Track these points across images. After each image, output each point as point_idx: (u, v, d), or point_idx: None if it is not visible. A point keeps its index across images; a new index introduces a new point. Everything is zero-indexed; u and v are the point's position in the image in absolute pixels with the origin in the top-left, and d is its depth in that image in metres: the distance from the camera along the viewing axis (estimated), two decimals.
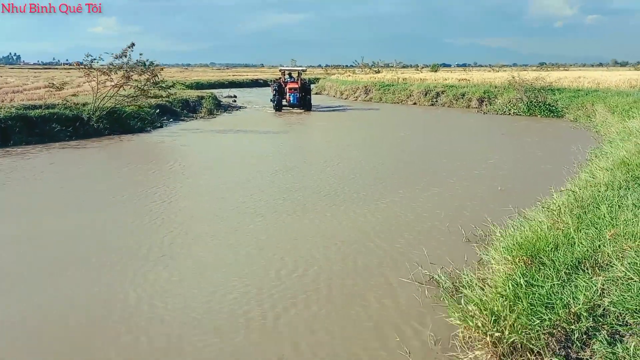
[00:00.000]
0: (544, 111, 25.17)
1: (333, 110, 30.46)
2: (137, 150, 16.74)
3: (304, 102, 28.82)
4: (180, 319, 5.26)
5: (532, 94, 26.17)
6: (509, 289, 4.38)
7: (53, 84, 21.75)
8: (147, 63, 20.72)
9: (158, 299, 5.68)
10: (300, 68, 33.77)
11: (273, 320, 5.23)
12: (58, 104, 19.04)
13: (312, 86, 38.42)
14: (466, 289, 5.30)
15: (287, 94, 28.66)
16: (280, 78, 31.22)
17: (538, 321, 3.85)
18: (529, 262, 5.03)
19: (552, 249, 5.10)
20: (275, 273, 6.42)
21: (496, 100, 28.76)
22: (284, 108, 28.84)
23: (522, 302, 4.11)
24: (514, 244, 5.56)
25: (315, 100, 32.73)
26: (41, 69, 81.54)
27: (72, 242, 7.61)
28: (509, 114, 26.30)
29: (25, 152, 15.11)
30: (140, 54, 20.60)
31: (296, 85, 28.99)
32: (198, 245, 7.41)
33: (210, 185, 11.18)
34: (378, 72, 53.96)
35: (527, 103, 26.00)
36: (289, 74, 31.07)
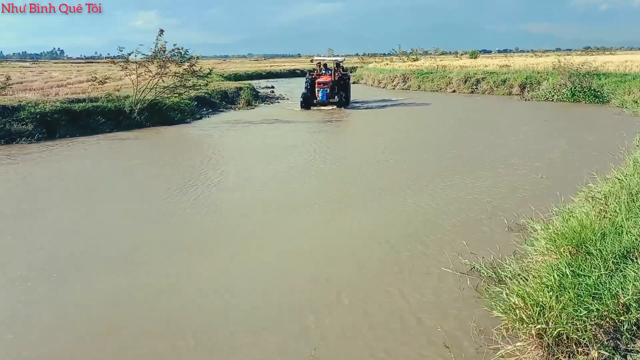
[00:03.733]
0: (588, 97, 24.36)
1: (368, 108, 25.43)
2: (178, 141, 17.04)
3: (339, 98, 24.73)
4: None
5: (577, 79, 25.37)
6: (554, 279, 4.27)
7: (96, 77, 22.21)
8: (183, 52, 20.86)
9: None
10: (337, 58, 28.71)
11: (316, 306, 5.24)
12: (101, 98, 19.50)
13: (351, 74, 36.87)
14: (509, 279, 5.21)
15: (316, 90, 24.58)
16: (315, 70, 27.04)
17: (585, 312, 3.75)
18: (575, 252, 4.90)
19: (598, 238, 4.95)
20: (321, 260, 6.44)
21: (539, 86, 28.00)
22: (314, 106, 24.65)
23: (568, 292, 4.00)
24: (558, 234, 5.43)
25: (352, 89, 27.94)
26: (84, 63, 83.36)
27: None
28: (552, 100, 25.60)
29: (71, 143, 15.49)
30: (175, 45, 20.61)
31: (327, 79, 24.95)
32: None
33: (256, 175, 11.28)
34: (416, 59, 53.26)
35: (571, 89, 25.23)
36: (325, 65, 26.86)
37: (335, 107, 24.46)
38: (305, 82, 25.76)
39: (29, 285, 5.93)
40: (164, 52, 20.16)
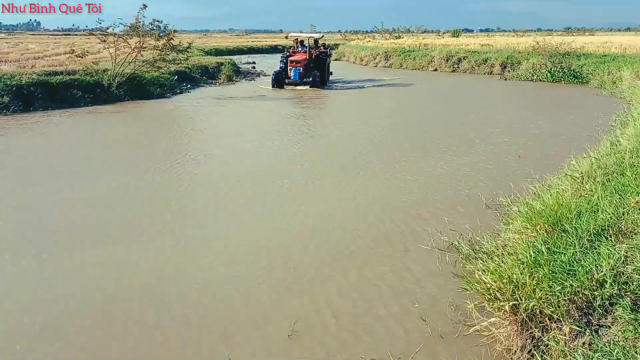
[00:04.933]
0: (568, 77, 24.49)
1: (349, 88, 24.26)
2: (158, 115, 16.85)
3: (312, 77, 23.09)
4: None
5: (557, 59, 25.52)
6: (530, 256, 4.34)
7: (73, 50, 21.80)
8: (161, 26, 20.60)
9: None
10: (315, 35, 27.65)
11: (295, 282, 5.27)
12: (79, 71, 19.14)
13: (332, 51, 36.19)
14: (485, 256, 5.29)
15: (289, 68, 23.32)
16: (292, 47, 25.67)
17: (559, 288, 3.82)
18: (551, 230, 4.98)
19: (574, 216, 5.03)
20: (295, 237, 6.47)
21: (519, 66, 28.12)
22: (288, 85, 23.37)
23: (543, 269, 4.07)
24: (535, 211, 5.51)
25: (333, 66, 27.02)
26: (61, 35, 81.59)
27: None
28: (532, 80, 25.73)
29: (48, 116, 15.23)
30: (154, 19, 20.39)
31: (300, 57, 23.48)
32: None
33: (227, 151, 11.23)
34: (398, 37, 53.25)
35: (551, 69, 25.37)
36: (301, 42, 25.40)
37: (308, 87, 23.05)
38: (281, 60, 24.48)
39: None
40: (142, 25, 19.82)
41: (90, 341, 4.36)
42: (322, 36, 27.16)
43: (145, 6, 19.78)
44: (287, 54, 24.64)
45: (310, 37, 26.13)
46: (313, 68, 23.63)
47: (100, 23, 19.57)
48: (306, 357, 4.14)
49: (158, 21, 20.35)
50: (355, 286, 5.23)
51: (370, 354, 4.13)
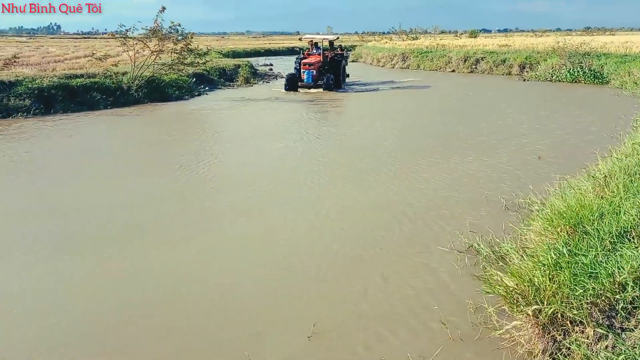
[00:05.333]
0: (588, 77, 24.21)
1: (367, 91, 23.78)
2: (178, 117, 17.02)
3: (325, 80, 22.50)
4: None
5: (576, 59, 25.25)
6: (551, 258, 4.31)
7: (94, 53, 22.02)
8: (179, 29, 20.77)
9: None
10: (329, 36, 26.86)
11: (316, 282, 5.28)
12: (98, 74, 19.38)
13: (349, 53, 35.77)
14: (506, 258, 5.25)
15: (302, 71, 22.89)
16: (307, 49, 25.09)
17: (581, 290, 3.78)
18: (572, 232, 4.93)
19: (596, 218, 4.97)
20: (318, 237, 6.48)
21: (538, 66, 27.85)
22: (301, 88, 22.90)
23: (564, 271, 4.04)
24: (555, 213, 5.46)
25: (350, 68, 26.77)
26: (81, 38, 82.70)
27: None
28: (551, 80, 25.48)
29: (69, 118, 15.42)
30: (172, 22, 20.52)
31: (314, 60, 23.10)
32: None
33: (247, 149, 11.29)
34: (416, 38, 52.99)
35: (570, 69, 25.10)
36: (315, 44, 24.85)
37: (322, 90, 22.46)
38: (295, 62, 23.88)
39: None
40: (161, 29, 20.01)
41: (121, 340, 4.41)
42: (337, 37, 26.59)
43: (164, 8, 19.95)
44: (302, 56, 24.19)
45: (324, 38, 25.51)
46: (327, 70, 23.15)
47: (122, 27, 19.80)
48: (326, 358, 4.15)
49: (177, 25, 20.52)
50: (375, 287, 5.22)
51: (389, 356, 4.13)
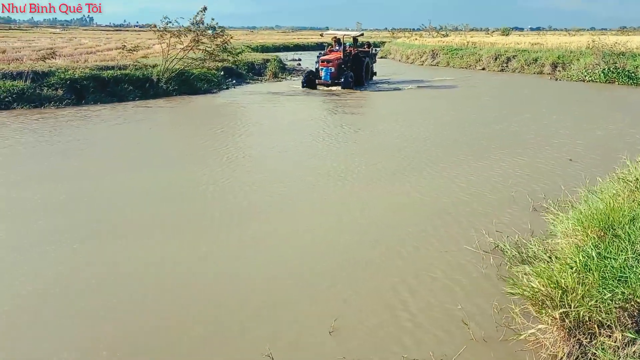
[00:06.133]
0: (622, 78, 23.67)
1: (394, 90, 22.72)
2: (208, 110, 17.29)
3: (344, 78, 21.63)
4: None
5: (611, 59, 24.69)
6: (579, 260, 4.22)
7: (124, 45, 22.30)
8: (217, 27, 20.96)
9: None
10: (352, 32, 26.15)
11: (341, 278, 5.28)
12: (129, 65, 19.65)
13: (377, 50, 35.23)
14: (532, 259, 5.17)
15: (319, 68, 22.16)
16: (330, 46, 24.25)
17: (609, 294, 3.70)
18: (602, 234, 4.83)
19: (628, 221, 4.86)
20: (349, 235, 6.47)
21: (571, 66, 27.30)
22: (319, 85, 22.11)
23: (593, 274, 3.96)
24: (586, 215, 5.35)
25: (379, 65, 26.60)
26: (112, 30, 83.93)
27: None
28: (584, 80, 24.96)
29: (101, 109, 15.68)
30: (212, 19, 20.87)
31: (333, 57, 22.27)
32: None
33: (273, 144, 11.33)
34: (446, 35, 52.51)
35: (604, 69, 24.56)
36: (338, 41, 23.73)
37: (340, 87, 21.68)
38: (317, 59, 23.05)
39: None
40: (201, 25, 20.30)
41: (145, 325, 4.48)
42: (362, 34, 25.80)
43: (205, 8, 20.23)
44: (323, 52, 23.62)
45: (346, 34, 24.61)
46: (349, 68, 22.37)
47: (164, 20, 20.03)
48: (346, 354, 4.13)
49: (216, 23, 20.89)
50: (398, 284, 5.19)
51: (412, 354, 4.09)
